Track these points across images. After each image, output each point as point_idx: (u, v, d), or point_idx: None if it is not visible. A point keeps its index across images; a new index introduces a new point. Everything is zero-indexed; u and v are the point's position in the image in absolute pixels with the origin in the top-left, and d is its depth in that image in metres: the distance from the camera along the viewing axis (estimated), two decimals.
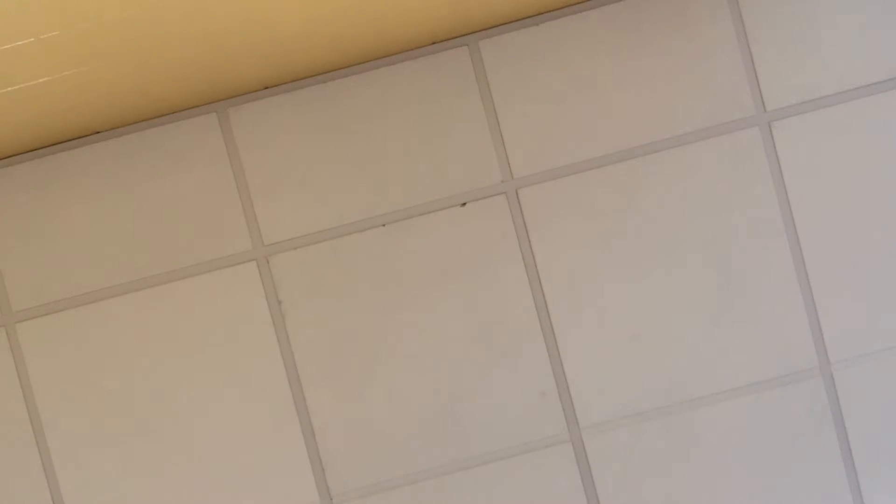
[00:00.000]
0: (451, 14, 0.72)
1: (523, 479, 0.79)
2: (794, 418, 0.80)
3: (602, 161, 0.79)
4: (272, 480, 0.78)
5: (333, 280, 0.79)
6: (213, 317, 0.78)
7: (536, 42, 0.79)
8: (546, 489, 0.79)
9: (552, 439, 0.79)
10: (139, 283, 0.78)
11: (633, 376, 0.79)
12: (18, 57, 0.56)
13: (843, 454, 0.80)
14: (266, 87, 0.79)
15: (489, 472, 0.79)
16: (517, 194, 0.79)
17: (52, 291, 0.78)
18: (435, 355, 0.79)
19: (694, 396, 0.79)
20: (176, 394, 0.78)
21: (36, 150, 0.78)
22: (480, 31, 0.79)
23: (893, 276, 0.79)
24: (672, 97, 0.79)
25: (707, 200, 0.79)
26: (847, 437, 0.80)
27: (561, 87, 0.79)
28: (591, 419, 0.79)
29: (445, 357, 0.79)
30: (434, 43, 0.79)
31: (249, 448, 0.78)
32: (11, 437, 0.78)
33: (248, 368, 0.78)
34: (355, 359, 0.79)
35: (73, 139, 0.78)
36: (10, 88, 0.61)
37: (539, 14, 0.79)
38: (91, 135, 0.78)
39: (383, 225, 0.79)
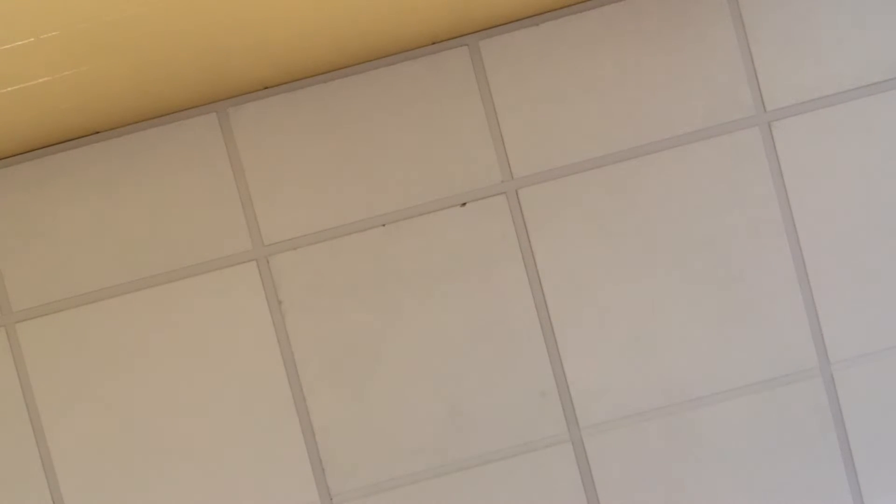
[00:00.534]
0: (451, 14, 0.72)
1: (523, 479, 0.79)
2: (794, 418, 0.79)
3: (602, 161, 0.79)
4: (272, 480, 0.78)
5: (333, 280, 0.79)
6: (213, 317, 0.78)
7: (536, 42, 0.79)
8: (546, 489, 0.79)
9: (552, 439, 0.79)
10: (139, 283, 0.78)
11: (633, 376, 0.79)
12: (18, 57, 0.56)
13: (843, 454, 0.80)
14: (266, 87, 0.79)
15: (489, 472, 0.79)
16: (517, 194, 0.79)
17: (52, 291, 0.78)
18: (435, 355, 0.79)
19: (694, 396, 0.79)
20: (176, 394, 0.78)
21: (36, 150, 0.78)
22: (480, 31, 0.79)
23: (893, 276, 0.79)
24: (672, 97, 0.79)
25: (707, 200, 0.79)
26: (847, 437, 0.80)
27: (561, 87, 0.79)
28: (591, 419, 0.79)
29: (445, 357, 0.79)
30: (434, 43, 0.79)
31: (249, 448, 0.78)
32: (11, 437, 0.78)
33: (248, 368, 0.78)
34: (355, 359, 0.79)
35: (73, 139, 0.78)
36: (10, 88, 0.61)
37: (539, 14, 0.79)
38: (91, 135, 0.78)
39: (383, 225, 0.79)
